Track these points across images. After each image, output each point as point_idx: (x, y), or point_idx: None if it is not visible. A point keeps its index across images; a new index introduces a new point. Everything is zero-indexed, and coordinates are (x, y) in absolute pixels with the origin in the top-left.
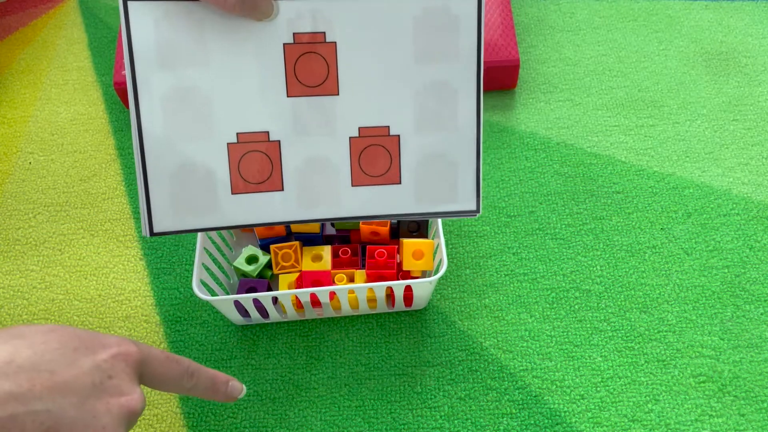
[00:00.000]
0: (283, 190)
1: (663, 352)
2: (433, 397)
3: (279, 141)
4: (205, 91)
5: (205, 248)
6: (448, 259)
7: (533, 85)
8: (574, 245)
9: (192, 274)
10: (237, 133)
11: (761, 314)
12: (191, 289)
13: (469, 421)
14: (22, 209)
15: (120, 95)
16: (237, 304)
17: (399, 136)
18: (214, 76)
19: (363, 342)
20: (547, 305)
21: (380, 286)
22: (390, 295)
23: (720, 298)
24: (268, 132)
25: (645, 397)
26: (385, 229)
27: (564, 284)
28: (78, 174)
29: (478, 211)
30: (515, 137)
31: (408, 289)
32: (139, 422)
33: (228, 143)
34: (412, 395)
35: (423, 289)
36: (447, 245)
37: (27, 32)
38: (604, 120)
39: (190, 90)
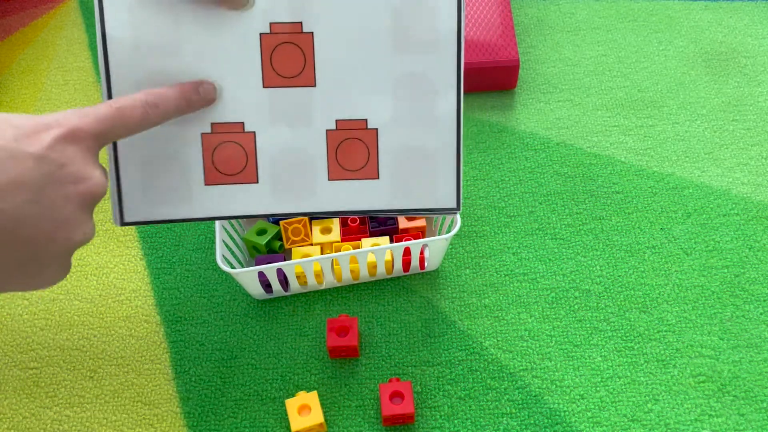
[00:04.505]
0: (257, 182)
1: (662, 352)
2: (433, 397)
3: (254, 132)
4: (179, 79)
5: (223, 226)
6: (448, 259)
7: (533, 85)
8: (573, 245)
9: (189, 275)
10: (211, 123)
11: (761, 314)
12: (191, 288)
13: (469, 421)
14: None
15: None
16: (261, 275)
17: (377, 129)
18: (187, 66)
19: (362, 342)
20: (547, 305)
21: (398, 247)
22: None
23: (719, 298)
24: (243, 123)
25: (645, 396)
26: None
27: (564, 284)
28: None
29: (458, 209)
30: (515, 137)
31: (421, 252)
32: (139, 422)
33: (202, 133)
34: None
35: (437, 248)
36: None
37: (27, 33)
38: (603, 120)
39: (165, 76)
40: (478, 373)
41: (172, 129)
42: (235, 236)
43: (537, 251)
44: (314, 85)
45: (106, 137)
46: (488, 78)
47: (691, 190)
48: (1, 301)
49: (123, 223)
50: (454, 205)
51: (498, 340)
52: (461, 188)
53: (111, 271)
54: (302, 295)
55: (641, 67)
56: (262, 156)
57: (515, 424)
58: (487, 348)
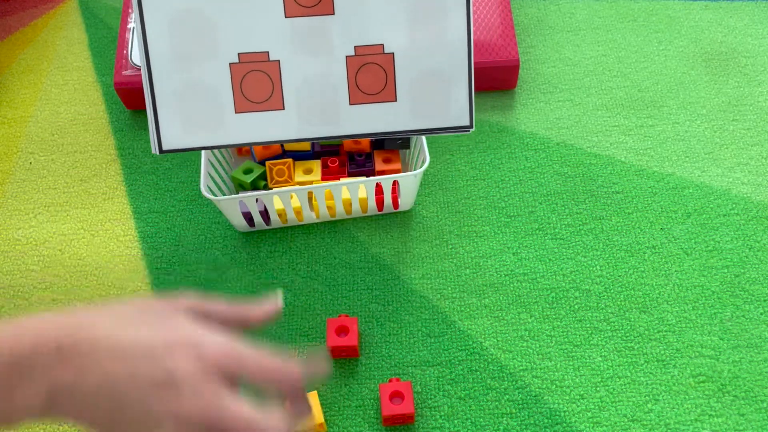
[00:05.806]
0: (284, 109)
1: (662, 352)
2: (433, 397)
3: (279, 61)
4: (207, 13)
5: (210, 161)
6: (448, 259)
7: (533, 85)
8: (574, 245)
9: (189, 275)
10: (238, 54)
11: (761, 314)
12: (191, 289)
13: (469, 421)
14: (22, 209)
15: (120, 95)
16: (243, 207)
17: (393, 54)
18: (214, 1)
19: (362, 342)
20: (547, 305)
21: (370, 181)
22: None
23: (720, 298)
24: (267, 52)
25: (645, 396)
26: (365, 140)
27: (564, 284)
28: (78, 174)
29: (471, 126)
30: (515, 137)
31: (394, 191)
32: None
33: (230, 63)
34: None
35: (408, 185)
36: (447, 245)
37: (27, 32)
38: (604, 120)
39: (193, 12)
40: (478, 373)
41: (204, 61)
42: (222, 173)
43: (537, 251)
44: (333, 13)
45: (228, 372)
46: (488, 78)
47: (691, 190)
48: (1, 301)
49: (162, 151)
50: (467, 122)
51: (498, 340)
52: (473, 107)
53: (111, 271)
54: (302, 294)
55: (641, 67)
56: (287, 83)
57: (515, 424)
58: (487, 348)
